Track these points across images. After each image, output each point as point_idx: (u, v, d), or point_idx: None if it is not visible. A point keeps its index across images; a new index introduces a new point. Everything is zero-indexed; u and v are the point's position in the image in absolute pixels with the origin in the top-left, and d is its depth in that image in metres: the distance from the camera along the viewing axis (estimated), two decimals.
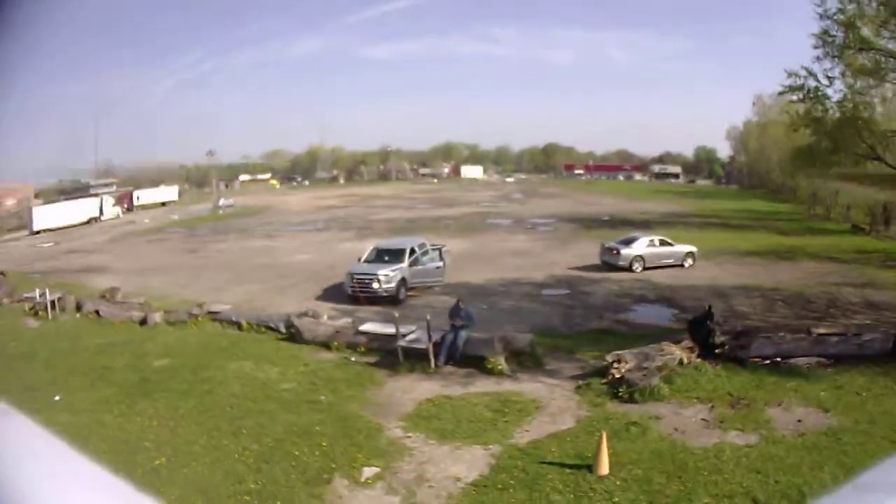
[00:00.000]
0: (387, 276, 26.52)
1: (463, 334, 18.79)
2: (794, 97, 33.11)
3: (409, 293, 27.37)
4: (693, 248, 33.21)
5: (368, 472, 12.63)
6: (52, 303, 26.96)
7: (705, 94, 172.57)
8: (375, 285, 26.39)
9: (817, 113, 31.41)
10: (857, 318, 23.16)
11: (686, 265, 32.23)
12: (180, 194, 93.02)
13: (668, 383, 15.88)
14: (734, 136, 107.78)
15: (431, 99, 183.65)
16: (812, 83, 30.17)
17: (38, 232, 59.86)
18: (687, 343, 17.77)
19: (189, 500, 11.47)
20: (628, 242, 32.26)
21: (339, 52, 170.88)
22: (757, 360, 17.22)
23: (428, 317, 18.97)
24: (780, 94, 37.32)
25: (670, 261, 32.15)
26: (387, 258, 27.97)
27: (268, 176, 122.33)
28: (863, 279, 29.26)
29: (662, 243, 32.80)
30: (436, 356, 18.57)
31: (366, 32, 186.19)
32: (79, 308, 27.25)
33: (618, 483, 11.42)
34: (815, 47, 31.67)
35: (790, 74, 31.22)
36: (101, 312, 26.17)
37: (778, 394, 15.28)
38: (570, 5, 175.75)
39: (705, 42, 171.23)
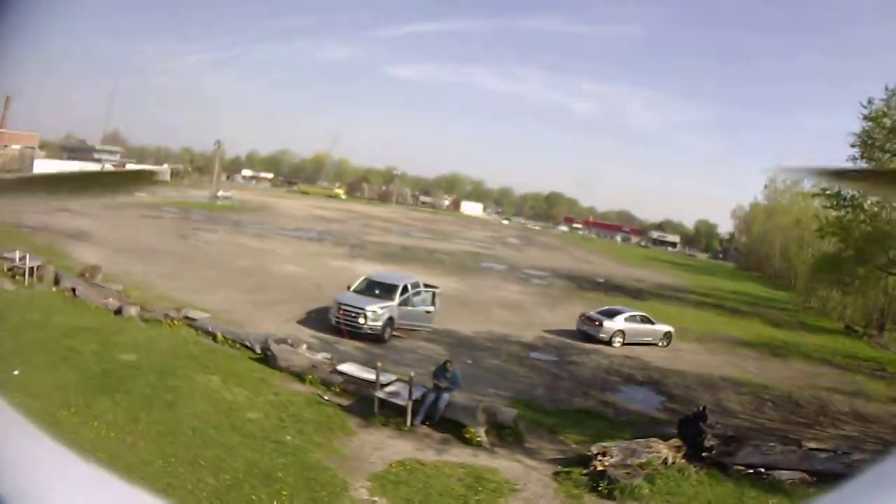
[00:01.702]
0: (374, 314, 25.39)
1: (445, 397, 17.93)
2: (826, 203, 33.06)
3: (394, 333, 26.23)
4: (671, 329, 32.37)
5: None
6: (31, 269, 26.47)
7: (714, 168, 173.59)
8: (361, 320, 25.20)
9: (847, 222, 31.24)
10: (846, 428, 22.69)
11: (661, 345, 31.36)
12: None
13: (650, 483, 15.16)
14: (739, 216, 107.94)
15: (444, 125, 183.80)
16: (848, 191, 29.84)
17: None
18: (675, 442, 17.13)
19: None
20: (611, 315, 31.16)
21: (362, 63, 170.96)
22: (741, 468, 16.52)
23: (412, 373, 18.13)
24: (815, 195, 37.23)
25: (648, 339, 31.30)
26: (377, 292, 26.85)
27: (336, 187, 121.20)
28: (853, 387, 28.65)
29: (643, 320, 31.98)
30: (413, 413, 17.69)
31: (392, 48, 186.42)
32: (56, 282, 26.63)
33: None
34: (853, 146, 31.41)
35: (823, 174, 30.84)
36: (77, 292, 25.54)
37: None
38: (598, 58, 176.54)
39: (723, 115, 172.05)
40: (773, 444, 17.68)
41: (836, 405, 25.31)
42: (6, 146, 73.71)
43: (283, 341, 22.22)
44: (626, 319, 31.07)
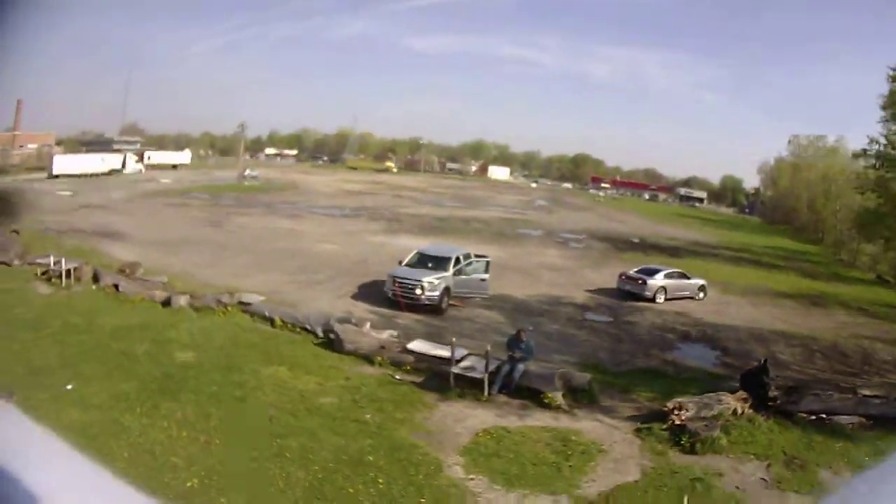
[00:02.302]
0: (431, 284, 25.42)
1: (520, 367, 17.85)
2: (868, 162, 33.68)
3: (451, 303, 26.30)
4: (704, 282, 33.16)
5: None
6: (68, 271, 25.46)
7: (737, 125, 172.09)
8: (418, 292, 25.21)
9: (887, 181, 31.71)
10: (891, 377, 22.93)
11: (698, 298, 32.10)
12: (201, 158, 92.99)
13: (727, 434, 15.47)
14: (765, 171, 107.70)
15: (467, 95, 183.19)
16: (891, 151, 30.54)
17: (56, 176, 59.77)
18: (741, 394, 17.41)
19: None
20: (651, 273, 31.93)
21: (381, 37, 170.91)
22: (804, 415, 16.91)
23: (488, 347, 18.13)
24: (856, 156, 37.80)
25: (686, 293, 32.06)
26: (430, 265, 26.85)
27: (389, 161, 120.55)
28: (893, 336, 28.86)
29: (680, 275, 32.76)
30: (490, 384, 17.62)
31: (410, 21, 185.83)
32: (96, 279, 25.78)
33: None
34: (884, 107, 31.97)
35: (871, 141, 31.57)
36: (120, 287, 24.85)
37: (827, 456, 15.02)
38: (615, 22, 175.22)
39: (743, 73, 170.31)
40: (830, 392, 18.16)
41: (879, 354, 25.57)
42: (22, 146, 74.30)
43: (346, 320, 21.88)
44: (665, 276, 31.70)
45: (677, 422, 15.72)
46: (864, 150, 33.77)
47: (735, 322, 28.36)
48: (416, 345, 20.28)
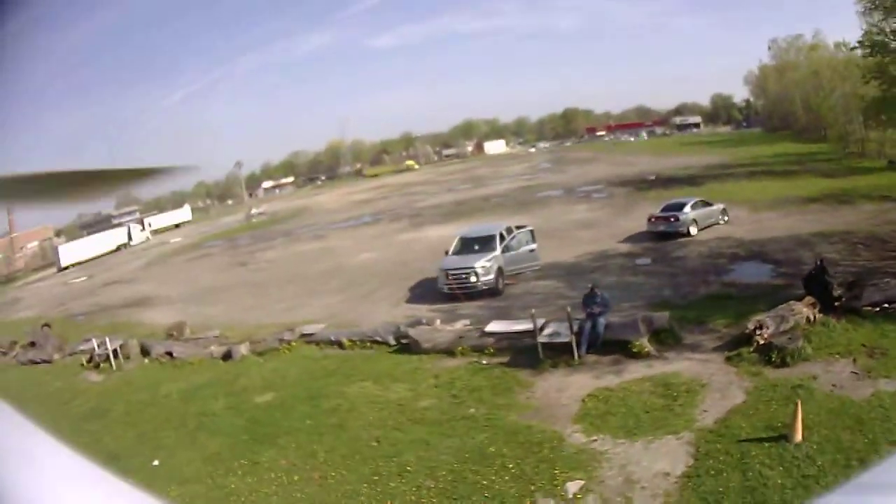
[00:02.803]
0: (484, 268, 25.09)
1: (601, 321, 18.09)
2: (864, 51, 34.48)
3: (506, 283, 26.01)
4: (724, 205, 33.18)
5: (573, 486, 11.86)
6: (114, 352, 24.28)
7: (711, 43, 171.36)
8: (473, 279, 24.91)
9: (885, 65, 32.41)
10: None
11: (722, 222, 32.21)
12: (203, 210, 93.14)
13: (809, 342, 16.08)
14: (752, 81, 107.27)
15: (444, 80, 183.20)
16: (883, 39, 31.30)
17: (66, 268, 59.22)
18: (809, 300, 17.94)
19: None
20: (679, 207, 31.68)
21: (343, 46, 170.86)
22: (869, 308, 17.43)
23: (569, 308, 18.24)
24: (853, 49, 38.53)
25: (713, 220, 32.08)
26: (477, 247, 26.50)
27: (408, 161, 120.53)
28: None
29: (704, 204, 32.62)
30: (577, 346, 17.74)
31: (366, 23, 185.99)
32: (146, 353, 24.82)
33: (814, 447, 11.60)
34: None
35: (867, 33, 32.34)
36: (174, 354, 24.11)
37: None
38: None
39: None
40: (887, 280, 18.65)
41: None
42: (23, 248, 73.97)
43: (416, 322, 21.84)
44: (692, 207, 31.54)
45: (761, 342, 16.24)
46: (860, 42, 34.53)
47: (774, 234, 28.60)
48: (494, 325, 20.39)
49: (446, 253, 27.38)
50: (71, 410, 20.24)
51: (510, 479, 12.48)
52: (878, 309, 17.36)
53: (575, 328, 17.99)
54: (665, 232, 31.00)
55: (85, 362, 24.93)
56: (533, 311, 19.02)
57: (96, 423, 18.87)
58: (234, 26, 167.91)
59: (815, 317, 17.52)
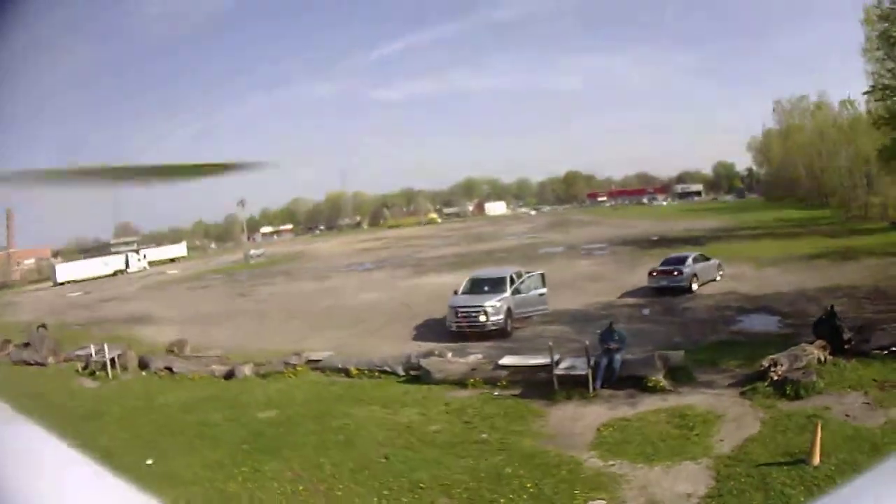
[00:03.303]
0: (494, 308, 24.99)
1: (618, 357, 18.16)
2: (874, 96, 35.10)
3: (514, 326, 25.84)
4: (719, 261, 33.23)
5: None
6: (112, 360, 23.80)
7: (715, 108, 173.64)
8: (483, 318, 24.78)
9: None
10: None
11: (718, 277, 32.16)
12: (201, 249, 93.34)
13: (821, 378, 16.37)
14: (755, 147, 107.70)
15: (446, 136, 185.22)
16: (892, 81, 31.89)
17: (62, 283, 59.54)
18: (820, 343, 18.21)
19: None
20: (681, 261, 31.47)
21: (348, 96, 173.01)
22: (878, 350, 17.79)
23: (587, 341, 18.31)
24: (866, 93, 39.30)
25: (710, 275, 31.94)
26: (487, 288, 26.45)
27: (431, 212, 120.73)
28: None
29: (703, 258, 32.60)
30: (592, 380, 17.75)
31: (370, 76, 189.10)
32: (144, 366, 24.31)
33: (833, 469, 11.65)
34: (866, 51, 33.79)
35: (875, 76, 33.06)
36: (174, 369, 23.70)
37: None
38: (571, 31, 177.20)
39: (713, 57, 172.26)
40: (894, 324, 18.97)
41: None
42: (19, 264, 74.13)
43: (429, 354, 21.69)
44: (693, 261, 31.38)
45: (775, 377, 16.46)
46: (871, 87, 35.17)
47: (779, 289, 28.78)
48: (508, 359, 20.25)
49: (455, 293, 27.34)
50: (63, 413, 19.35)
51: (529, 499, 12.25)
52: (885, 352, 17.68)
53: (591, 363, 17.97)
54: (667, 287, 30.54)
55: (80, 368, 24.56)
56: (550, 343, 19.01)
57: (90, 424, 18.36)
58: (242, 68, 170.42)
59: (825, 358, 17.77)
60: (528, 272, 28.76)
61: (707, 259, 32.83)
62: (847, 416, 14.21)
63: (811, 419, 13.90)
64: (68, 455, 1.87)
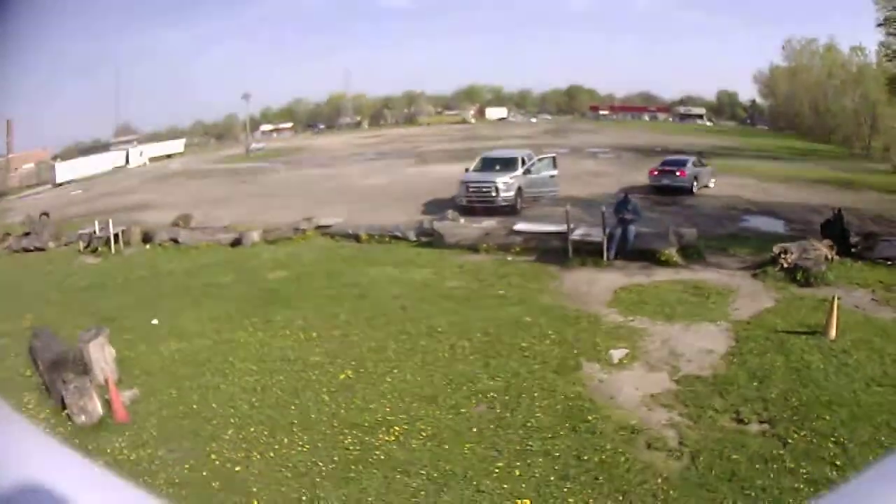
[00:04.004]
0: (506, 184, 25.02)
1: (632, 228, 18.37)
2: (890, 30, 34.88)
3: (523, 206, 25.78)
4: (713, 168, 33.24)
5: (617, 353, 11.93)
6: (115, 236, 23.27)
7: (722, 40, 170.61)
8: (494, 194, 24.85)
9: None
10: None
11: (711, 185, 31.95)
12: (201, 146, 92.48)
13: (830, 271, 16.79)
14: (761, 80, 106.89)
15: (450, 43, 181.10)
16: None
17: (61, 184, 58.64)
18: (827, 242, 18.45)
19: (411, 407, 10.08)
20: (682, 163, 31.17)
21: (351, 1, 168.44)
22: (881, 260, 18.11)
23: (603, 208, 18.53)
24: (879, 25, 38.96)
25: (706, 180, 31.77)
26: (498, 167, 26.45)
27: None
28: None
29: (700, 163, 32.37)
30: (607, 249, 18.04)
31: None
32: (147, 240, 23.83)
33: (849, 344, 11.89)
34: None
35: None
36: (179, 239, 23.31)
37: None
38: None
39: None
40: None
41: None
42: (17, 169, 73.35)
43: (444, 217, 21.84)
44: (693, 165, 31.24)
45: (785, 265, 16.89)
46: (886, 19, 34.88)
47: (784, 200, 28.87)
48: (522, 225, 20.52)
49: (466, 170, 27.31)
50: (65, 285, 19.41)
51: (551, 344, 12.51)
52: (889, 262, 18.02)
53: (606, 233, 18.25)
54: (669, 186, 30.17)
55: (82, 247, 23.96)
56: (568, 207, 19.19)
57: (93, 293, 18.19)
58: None
59: (832, 257, 18.06)
60: (541, 156, 28.75)
61: (703, 164, 32.71)
62: (857, 307, 14.44)
63: (823, 302, 14.14)
64: (68, 455, 1.80)
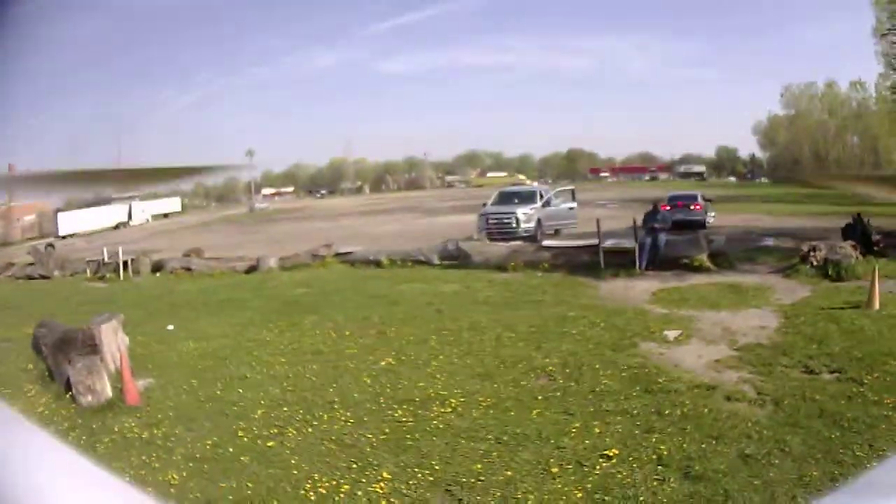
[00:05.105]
0: (526, 215, 24.84)
1: (662, 236, 18.43)
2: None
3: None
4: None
5: (672, 333, 11.71)
6: (125, 263, 22.63)
7: (720, 95, 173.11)
8: (514, 225, 24.56)
9: None
10: None
11: (711, 220, 30.83)
12: (202, 208, 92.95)
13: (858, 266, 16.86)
14: (760, 131, 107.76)
15: (451, 109, 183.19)
16: None
17: (64, 237, 58.00)
18: (851, 242, 18.62)
19: (465, 383, 9.60)
20: (693, 197, 30.79)
21: (354, 66, 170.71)
22: None
23: (635, 217, 18.71)
24: (883, 35, 39.54)
25: (712, 215, 31.05)
26: (517, 200, 26.32)
27: None
28: None
29: (704, 198, 31.70)
30: (639, 259, 18.06)
31: (378, 47, 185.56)
32: (157, 269, 23.08)
33: (892, 319, 11.84)
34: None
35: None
36: (192, 267, 22.54)
37: None
38: (580, 14, 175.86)
39: (717, 46, 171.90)
40: None
41: None
42: (19, 219, 73.49)
43: (469, 238, 21.82)
44: (703, 199, 30.79)
45: (815, 262, 17.08)
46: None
47: (800, 225, 28.93)
48: (551, 241, 20.61)
49: (484, 205, 27.26)
50: (70, 302, 18.54)
51: (601, 330, 12.23)
52: None
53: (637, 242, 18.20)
54: (683, 220, 28.13)
55: (90, 274, 23.07)
56: (598, 217, 19.40)
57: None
58: (245, 37, 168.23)
59: (857, 257, 17.99)
60: (560, 189, 28.92)
61: (708, 199, 32.30)
62: (891, 292, 14.21)
63: (859, 289, 14.24)
64: (68, 455, 1.80)
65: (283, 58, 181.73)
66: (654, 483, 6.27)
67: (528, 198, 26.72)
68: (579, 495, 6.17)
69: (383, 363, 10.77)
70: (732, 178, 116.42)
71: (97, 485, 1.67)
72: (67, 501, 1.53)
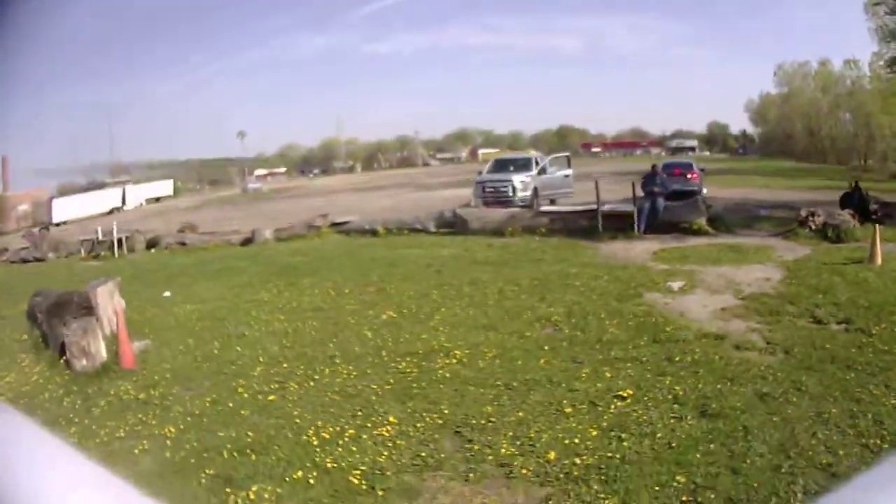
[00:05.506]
0: (523, 183, 24.23)
1: (661, 200, 18.27)
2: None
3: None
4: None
5: (676, 284, 11.71)
6: (119, 241, 22.42)
7: (711, 74, 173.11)
8: (511, 192, 23.91)
9: None
10: None
11: (705, 190, 30.24)
12: (195, 191, 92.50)
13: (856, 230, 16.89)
14: (752, 108, 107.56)
15: (440, 88, 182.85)
16: None
17: (58, 224, 57.58)
18: (848, 211, 18.58)
19: (468, 335, 9.48)
20: (688, 166, 30.15)
21: (343, 49, 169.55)
22: None
23: (633, 181, 18.61)
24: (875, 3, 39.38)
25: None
26: (512, 168, 25.85)
27: None
28: None
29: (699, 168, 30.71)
30: (637, 222, 17.94)
31: (367, 29, 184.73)
32: (152, 246, 22.79)
33: (892, 273, 11.93)
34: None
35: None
36: (186, 242, 22.33)
37: None
38: None
39: (711, 27, 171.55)
40: None
41: None
42: (14, 208, 73.08)
43: (466, 206, 21.59)
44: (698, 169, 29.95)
45: (814, 226, 17.11)
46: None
47: (794, 198, 28.81)
48: (548, 207, 20.51)
49: (479, 173, 26.84)
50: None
51: (606, 282, 12.21)
52: None
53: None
54: (679, 191, 28.12)
55: (84, 254, 22.83)
56: (597, 179, 19.39)
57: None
58: (236, 21, 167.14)
59: (854, 224, 17.96)
60: (556, 156, 28.78)
61: (702, 170, 31.31)
62: (890, 252, 14.35)
63: (857, 250, 14.20)
64: (68, 455, 1.61)
65: (274, 41, 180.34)
66: (672, 420, 6.18)
67: (523, 165, 26.28)
68: (594, 433, 6.06)
69: (384, 317, 10.67)
70: (723, 155, 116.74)
71: (97, 485, 1.54)
72: (67, 501, 1.41)
